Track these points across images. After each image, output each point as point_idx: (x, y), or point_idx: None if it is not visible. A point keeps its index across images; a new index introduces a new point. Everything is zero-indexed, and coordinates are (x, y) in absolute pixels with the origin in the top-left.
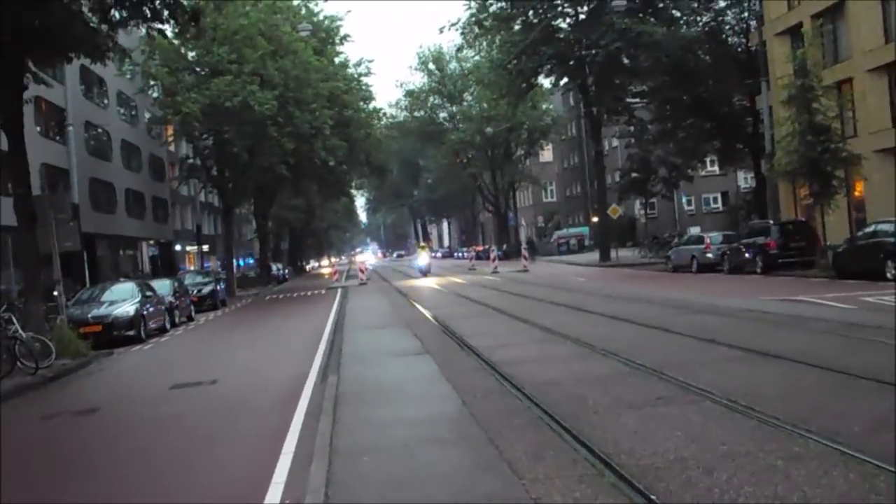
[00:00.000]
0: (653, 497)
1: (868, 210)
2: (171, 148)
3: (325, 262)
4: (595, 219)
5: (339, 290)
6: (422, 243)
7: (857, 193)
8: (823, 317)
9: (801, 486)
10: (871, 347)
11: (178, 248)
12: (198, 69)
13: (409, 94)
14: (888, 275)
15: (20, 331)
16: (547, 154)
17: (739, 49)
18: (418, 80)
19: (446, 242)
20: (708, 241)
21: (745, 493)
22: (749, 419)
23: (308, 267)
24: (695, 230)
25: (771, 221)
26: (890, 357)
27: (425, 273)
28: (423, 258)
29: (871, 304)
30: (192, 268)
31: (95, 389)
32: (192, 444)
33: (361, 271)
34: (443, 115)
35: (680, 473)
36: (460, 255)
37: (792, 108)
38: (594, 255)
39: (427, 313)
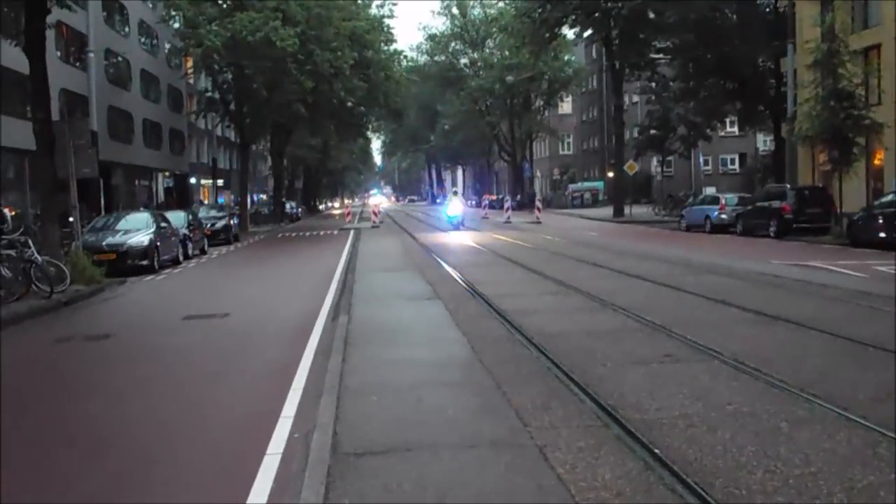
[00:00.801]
0: (656, 451)
1: (886, 180)
2: (191, 80)
3: (338, 203)
4: (611, 174)
5: (352, 232)
6: (454, 188)
7: (876, 162)
8: (835, 284)
9: (804, 449)
10: (881, 316)
11: (192, 181)
12: (220, 1)
13: (431, 38)
14: None
15: (36, 255)
16: (566, 106)
17: (767, 10)
18: (441, 24)
19: (461, 189)
20: (723, 201)
21: (747, 453)
22: (756, 381)
23: (322, 207)
24: (710, 190)
25: (787, 186)
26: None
27: (457, 227)
28: (455, 206)
29: (884, 274)
30: (206, 201)
31: (109, 316)
32: (202, 375)
33: (375, 214)
34: (463, 61)
35: (684, 430)
36: (473, 203)
37: (817, 72)
38: (608, 210)
39: (440, 260)
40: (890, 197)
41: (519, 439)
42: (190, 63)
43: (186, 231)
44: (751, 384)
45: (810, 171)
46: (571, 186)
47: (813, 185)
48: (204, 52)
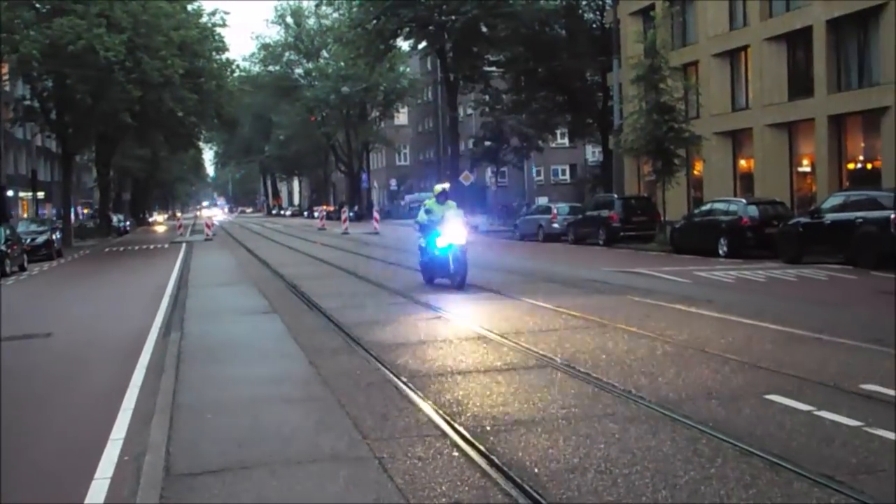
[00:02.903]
0: (493, 458)
1: (705, 189)
2: (6, 87)
3: (164, 216)
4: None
5: (184, 245)
6: (443, 185)
7: (696, 172)
8: (659, 289)
9: (632, 449)
10: (699, 319)
11: (10, 193)
12: (38, 5)
13: (265, 47)
14: (720, 251)
15: None
16: (402, 117)
17: (594, 25)
18: (275, 33)
19: (296, 200)
20: (555, 211)
21: (579, 455)
22: (587, 384)
23: (151, 219)
24: (543, 200)
25: (615, 195)
26: (716, 329)
27: (458, 281)
28: (453, 228)
29: (703, 279)
30: (25, 215)
31: None
32: (21, 400)
33: (208, 227)
34: (298, 71)
35: (521, 435)
36: (310, 214)
37: (640, 87)
38: None
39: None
40: (707, 206)
41: (358, 452)
42: (5, 69)
43: (3, 247)
44: (583, 388)
45: (636, 181)
46: (409, 197)
47: (639, 194)
48: (20, 59)
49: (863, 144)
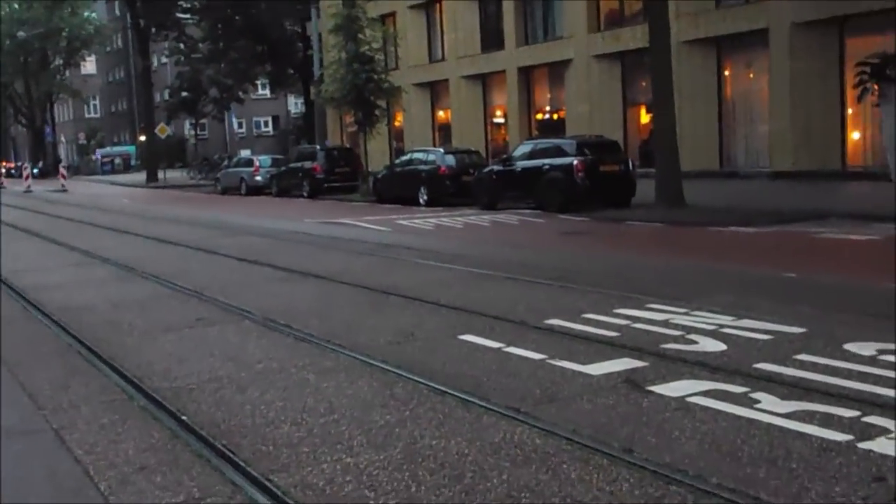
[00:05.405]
0: (183, 418)
1: (406, 140)
2: None
3: None
4: (142, 138)
5: None
6: None
7: (396, 123)
8: (361, 238)
9: (329, 398)
10: (400, 266)
11: None
12: None
13: None
14: (420, 200)
15: None
16: (90, 66)
17: None
18: None
19: None
20: (257, 164)
21: (275, 408)
22: (286, 337)
23: None
24: (245, 153)
25: (318, 147)
26: (415, 273)
27: None
28: None
29: (404, 227)
30: None
31: None
32: None
33: None
34: None
35: (213, 393)
36: None
37: (339, 37)
38: (141, 176)
39: None
40: (407, 156)
41: (33, 425)
42: None
43: None
44: (281, 340)
45: (339, 132)
46: (100, 151)
47: (342, 145)
48: None
49: (549, 95)
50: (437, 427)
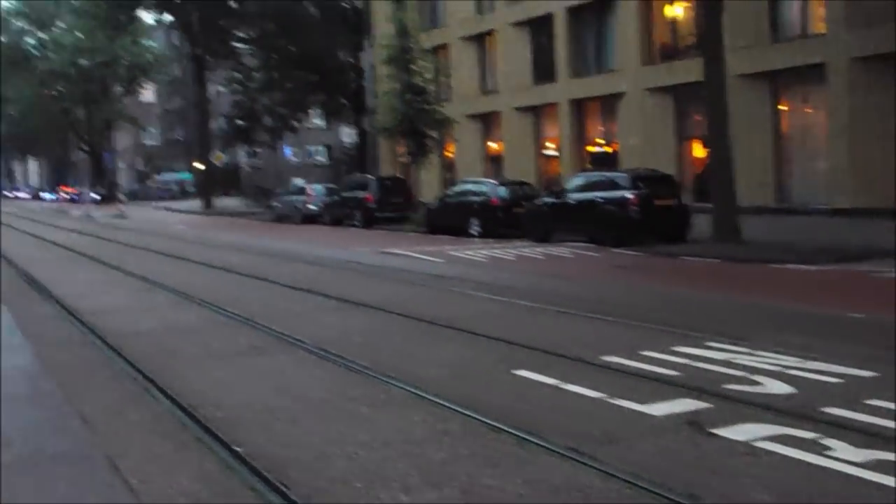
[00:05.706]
0: (237, 449)
1: (457, 170)
2: None
3: None
4: (198, 165)
5: None
6: None
7: (448, 154)
8: (413, 268)
9: (383, 432)
10: (453, 297)
11: None
12: None
13: None
14: (472, 231)
15: None
16: (149, 94)
17: (346, 5)
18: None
19: (34, 182)
20: (311, 192)
21: (328, 441)
22: (338, 367)
23: None
24: (299, 181)
25: (370, 176)
26: (468, 305)
27: None
28: None
29: (456, 258)
30: None
31: None
32: None
33: None
34: (30, 41)
35: (267, 424)
36: (51, 196)
37: (392, 68)
38: (196, 203)
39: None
40: (459, 187)
41: (86, 451)
42: None
43: None
44: (334, 371)
45: (392, 162)
46: (158, 178)
47: (394, 175)
48: None
49: (601, 128)
50: (494, 466)
